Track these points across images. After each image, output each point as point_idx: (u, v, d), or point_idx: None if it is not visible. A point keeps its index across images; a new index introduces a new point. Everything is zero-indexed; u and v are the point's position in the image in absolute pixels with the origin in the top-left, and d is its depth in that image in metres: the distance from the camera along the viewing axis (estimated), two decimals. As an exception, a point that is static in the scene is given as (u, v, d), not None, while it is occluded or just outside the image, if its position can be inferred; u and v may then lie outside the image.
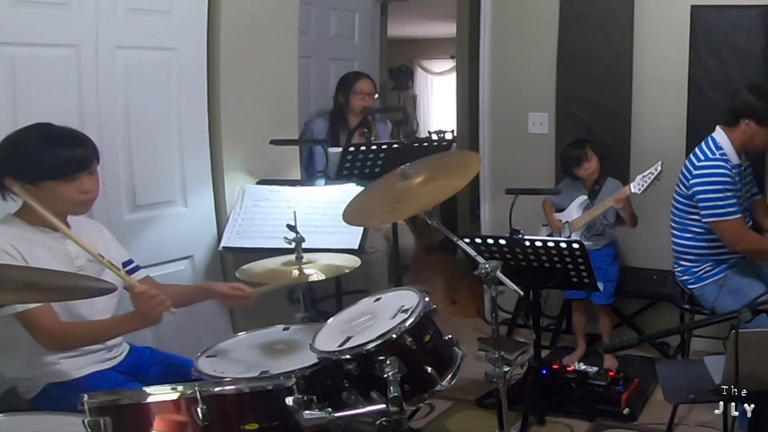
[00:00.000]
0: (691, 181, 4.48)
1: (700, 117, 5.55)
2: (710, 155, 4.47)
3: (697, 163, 4.50)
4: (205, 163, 4.79)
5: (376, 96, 6.22)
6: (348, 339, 3.04)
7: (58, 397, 3.13)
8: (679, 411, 4.27)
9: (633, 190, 4.99)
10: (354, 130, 6.07)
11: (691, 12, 5.60)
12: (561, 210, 5.63)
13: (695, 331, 5.43)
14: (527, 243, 4.39)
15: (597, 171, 5.53)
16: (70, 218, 3.37)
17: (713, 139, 4.53)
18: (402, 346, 2.92)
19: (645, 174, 4.96)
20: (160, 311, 3.07)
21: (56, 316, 3.15)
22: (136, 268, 3.68)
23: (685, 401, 3.63)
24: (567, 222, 5.47)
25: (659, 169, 4.89)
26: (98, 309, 3.37)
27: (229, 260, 4.86)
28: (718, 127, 4.57)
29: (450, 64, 15.99)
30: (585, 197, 5.49)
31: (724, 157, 4.45)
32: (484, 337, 5.36)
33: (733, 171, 4.44)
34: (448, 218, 9.26)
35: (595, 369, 5.00)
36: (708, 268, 4.61)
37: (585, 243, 4.52)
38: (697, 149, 4.59)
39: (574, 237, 5.29)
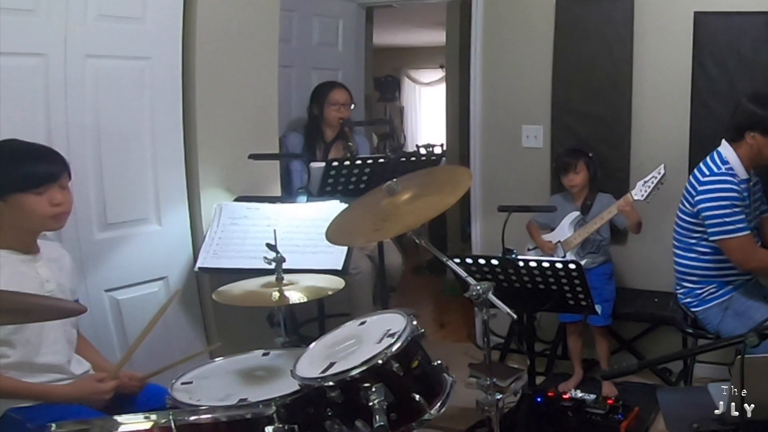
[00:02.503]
0: (696, 198, 4.46)
1: (703, 130, 5.57)
2: (716, 170, 4.45)
3: (702, 179, 4.47)
4: (180, 179, 4.80)
5: (353, 106, 6.20)
6: (331, 365, 3.05)
7: (20, 423, 3.13)
8: (681, 441, 4.28)
9: (635, 197, 5.03)
10: (331, 143, 6.07)
11: (694, 19, 5.59)
12: (548, 229, 5.67)
13: (699, 357, 5.45)
14: (521, 263, 4.37)
15: (582, 186, 5.59)
16: (40, 242, 3.41)
17: (719, 154, 4.51)
18: (388, 373, 2.94)
19: (647, 179, 4.98)
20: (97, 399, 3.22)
21: None
22: None
23: (688, 431, 3.64)
24: (559, 242, 5.49)
25: (662, 172, 4.90)
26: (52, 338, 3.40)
27: (205, 282, 4.86)
28: (723, 141, 4.55)
29: (439, 74, 16.02)
30: (577, 213, 5.53)
31: (730, 172, 4.42)
32: (475, 362, 5.40)
33: (741, 186, 4.42)
34: (437, 237, 9.27)
35: (592, 396, 5.00)
36: (712, 290, 4.60)
37: (582, 262, 4.53)
38: (701, 164, 4.57)
39: (569, 257, 5.31)
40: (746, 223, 4.38)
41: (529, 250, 5.71)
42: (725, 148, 4.51)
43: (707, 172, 4.48)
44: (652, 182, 4.95)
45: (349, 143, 5.65)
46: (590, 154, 5.63)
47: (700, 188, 4.46)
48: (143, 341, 3.57)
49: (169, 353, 4.35)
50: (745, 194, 4.48)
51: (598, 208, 5.49)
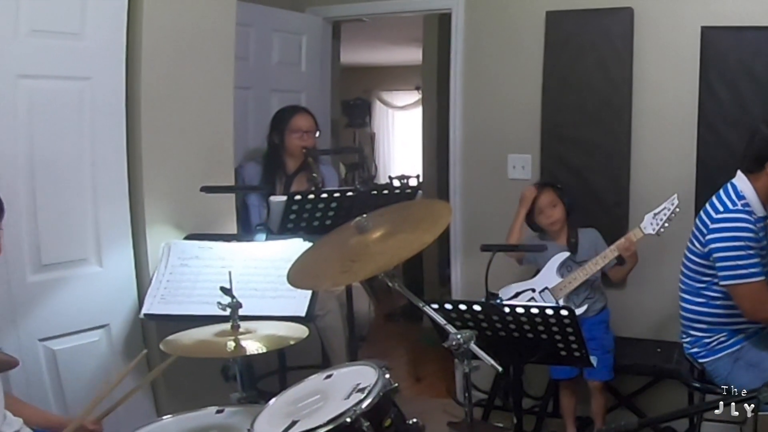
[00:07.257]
0: (708, 237, 4.41)
1: (712, 160, 5.58)
2: (731, 206, 4.39)
3: (715, 216, 4.42)
4: (124, 215, 4.78)
5: (318, 134, 6.18)
6: (293, 423, 3.06)
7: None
8: None
9: (646, 231, 5.01)
10: (293, 175, 6.05)
11: (701, 34, 5.61)
12: (534, 267, 5.67)
13: (706, 414, 5.46)
14: (507, 309, 4.35)
15: (561, 222, 5.58)
16: None
17: (734, 187, 4.46)
18: (358, 432, 2.95)
19: (658, 211, 4.97)
20: None
21: None
22: None
23: (694, 497, 3.66)
24: (546, 289, 5.42)
25: (675, 203, 4.90)
26: None
27: (152, 330, 4.84)
28: (739, 172, 4.49)
29: (415, 96, 16.10)
30: (567, 254, 5.48)
31: (747, 209, 4.37)
32: (455, 421, 5.41)
33: (758, 225, 4.38)
34: (413, 280, 9.30)
35: (587, 459, 5.02)
36: (722, 339, 4.58)
37: (581, 310, 4.51)
38: (714, 198, 4.52)
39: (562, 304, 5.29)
40: (760, 267, 4.35)
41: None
42: (741, 181, 4.45)
43: (721, 209, 4.42)
44: (665, 214, 4.93)
45: (313, 175, 5.63)
46: (558, 185, 5.65)
47: (712, 226, 4.41)
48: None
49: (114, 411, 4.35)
50: (761, 234, 4.43)
51: (587, 243, 5.50)
